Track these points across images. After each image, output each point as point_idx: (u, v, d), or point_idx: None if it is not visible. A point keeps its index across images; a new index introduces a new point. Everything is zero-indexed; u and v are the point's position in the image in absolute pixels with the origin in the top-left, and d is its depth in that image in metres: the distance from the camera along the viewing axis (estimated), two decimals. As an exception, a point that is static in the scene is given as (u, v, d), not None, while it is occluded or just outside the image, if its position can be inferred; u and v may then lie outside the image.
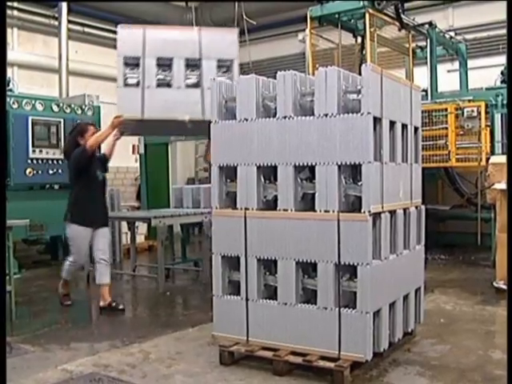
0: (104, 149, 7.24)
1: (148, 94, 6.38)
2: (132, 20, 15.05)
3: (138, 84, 6.45)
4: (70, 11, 12.65)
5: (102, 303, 6.85)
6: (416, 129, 5.13)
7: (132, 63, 6.51)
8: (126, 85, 6.50)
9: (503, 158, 9.07)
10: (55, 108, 10.12)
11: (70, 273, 7.17)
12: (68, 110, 10.34)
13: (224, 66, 6.56)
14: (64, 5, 12.39)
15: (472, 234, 9.97)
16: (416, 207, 5.10)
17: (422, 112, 5.26)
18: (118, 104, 6.49)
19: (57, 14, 12.46)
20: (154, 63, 6.43)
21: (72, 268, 7.11)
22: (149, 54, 6.42)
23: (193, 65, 6.51)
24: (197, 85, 6.48)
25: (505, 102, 10.03)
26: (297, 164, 4.41)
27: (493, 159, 9.03)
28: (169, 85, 6.46)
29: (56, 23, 12.47)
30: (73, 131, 7.07)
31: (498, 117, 10.00)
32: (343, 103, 4.31)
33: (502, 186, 7.65)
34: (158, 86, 6.43)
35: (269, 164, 4.53)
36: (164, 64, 6.48)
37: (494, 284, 7.43)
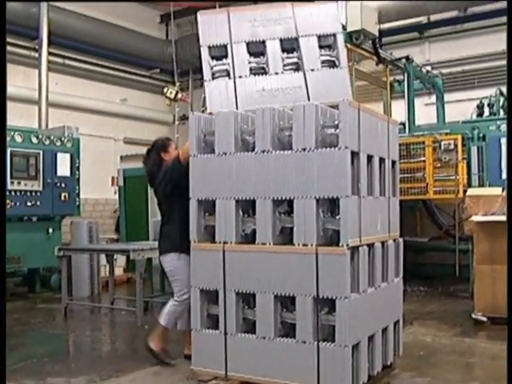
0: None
1: (241, 85, 5.32)
2: (113, 52, 15.21)
3: (228, 75, 5.41)
4: (50, 43, 12.67)
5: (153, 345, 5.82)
6: (393, 162, 5.18)
7: (218, 53, 5.52)
8: (214, 77, 5.42)
9: (480, 191, 9.18)
10: (34, 140, 10.10)
11: (175, 317, 5.72)
12: (47, 142, 10.32)
13: (326, 45, 5.46)
14: (45, 37, 12.40)
15: (450, 266, 10.04)
16: (394, 240, 5.13)
17: (400, 145, 5.34)
18: (208, 100, 5.41)
19: (37, 45, 12.48)
20: (244, 49, 5.40)
21: (179, 309, 5.64)
22: (236, 39, 5.44)
23: (289, 46, 5.48)
24: (297, 68, 5.37)
25: (481, 135, 10.20)
26: (275, 198, 4.44)
27: (470, 192, 9.12)
28: (264, 72, 5.39)
29: (36, 55, 12.48)
30: (152, 148, 6.03)
31: (474, 150, 10.15)
32: (321, 138, 4.36)
33: (479, 218, 7.74)
34: (252, 74, 5.37)
35: (247, 198, 4.56)
36: (256, 49, 5.47)
37: (473, 316, 7.46)
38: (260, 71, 5.37)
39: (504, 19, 13.43)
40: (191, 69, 16.67)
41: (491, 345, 6.39)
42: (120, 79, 15.99)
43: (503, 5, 13.04)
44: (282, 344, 4.43)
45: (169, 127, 17.35)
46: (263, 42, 5.40)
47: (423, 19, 14.25)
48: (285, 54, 5.40)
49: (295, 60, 5.37)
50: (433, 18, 14.28)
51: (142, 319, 7.82)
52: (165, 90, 10.13)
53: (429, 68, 13.31)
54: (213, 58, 5.46)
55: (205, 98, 5.39)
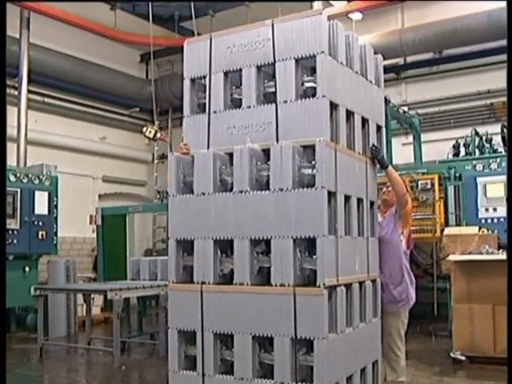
0: None
1: (214, 121, 4.89)
2: (92, 90, 15.27)
3: (204, 110, 4.99)
4: (30, 81, 12.73)
5: None
6: (372, 203, 5.21)
7: (199, 85, 5.12)
8: (193, 112, 5.06)
9: (457, 230, 9.28)
10: (12, 178, 10.08)
11: None
12: (25, 180, 10.30)
13: (310, 67, 4.69)
14: (24, 75, 12.46)
15: (429, 304, 10.06)
16: (373, 280, 5.14)
17: (378, 184, 5.37)
18: (184, 138, 5.16)
19: (17, 83, 12.50)
20: (221, 80, 4.90)
21: None
22: (215, 69, 4.93)
23: (267, 72, 4.82)
24: (272, 99, 4.71)
25: (457, 174, 10.34)
26: (253, 238, 4.44)
27: (447, 231, 9.23)
28: (239, 105, 4.84)
29: (16, 93, 12.50)
30: None
31: (451, 189, 10.28)
32: (298, 178, 4.38)
33: (457, 257, 7.80)
34: (227, 108, 4.88)
35: (225, 238, 4.55)
36: (234, 78, 4.93)
37: (451, 355, 7.47)
38: (236, 104, 4.89)
39: (478, 61, 13.81)
40: (170, 108, 16.81)
41: (469, 384, 6.40)
42: (99, 117, 16.05)
43: (478, 47, 13.37)
44: (260, 385, 4.39)
45: (148, 166, 17.41)
46: (240, 70, 4.83)
47: (399, 60, 14.54)
48: (266, 83, 4.79)
49: (272, 90, 4.73)
50: (409, 59, 14.59)
51: (119, 360, 7.73)
52: (144, 129, 10.21)
53: (406, 108, 13.51)
54: (195, 91, 5.11)
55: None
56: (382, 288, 5.30)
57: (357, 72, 5.00)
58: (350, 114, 4.83)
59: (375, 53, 5.51)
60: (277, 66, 4.66)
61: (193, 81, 5.08)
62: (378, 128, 5.42)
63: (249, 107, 4.76)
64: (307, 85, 4.62)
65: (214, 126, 4.89)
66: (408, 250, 5.55)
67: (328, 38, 4.59)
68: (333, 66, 4.61)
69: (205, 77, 5.00)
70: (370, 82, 5.29)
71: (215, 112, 4.90)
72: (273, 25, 4.71)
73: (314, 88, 4.54)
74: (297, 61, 4.60)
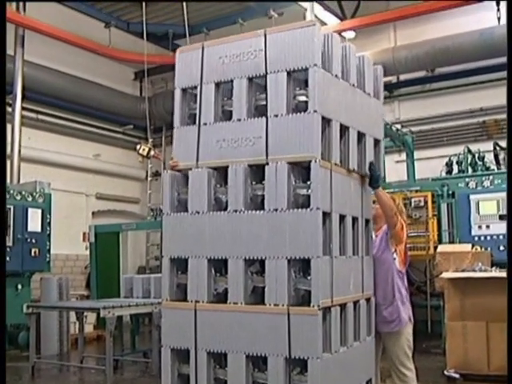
0: None
1: (204, 133, 4.73)
2: (86, 108, 15.29)
3: (195, 121, 4.83)
4: (24, 98, 12.75)
5: None
6: (367, 221, 5.21)
7: (190, 96, 4.96)
8: (183, 123, 4.91)
9: (450, 247, 9.31)
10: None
11: None
12: (18, 197, 10.28)
13: (302, 80, 4.53)
14: (19, 92, 12.49)
15: (422, 322, 10.05)
16: (367, 299, 5.13)
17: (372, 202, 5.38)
18: (174, 149, 5.02)
19: (11, 100, 12.52)
20: (212, 91, 4.73)
21: None
22: (207, 79, 4.76)
23: (259, 84, 4.67)
24: (262, 112, 4.57)
25: (450, 192, 10.38)
26: (247, 257, 4.43)
27: (440, 248, 9.25)
28: (230, 117, 4.70)
29: (10, 110, 12.51)
30: None
31: (444, 206, 10.32)
32: (293, 198, 4.38)
33: (450, 274, 7.81)
34: (216, 120, 4.72)
35: (219, 257, 4.55)
36: (226, 90, 4.79)
37: (445, 373, 7.46)
38: (226, 117, 4.74)
39: (471, 79, 13.90)
40: (164, 125, 16.84)
41: (464, 403, 6.38)
42: (93, 135, 16.06)
43: (470, 65, 13.48)
44: (254, 405, 4.37)
45: (141, 183, 17.40)
46: (231, 81, 4.69)
47: (392, 78, 14.63)
48: (257, 95, 4.64)
49: (263, 102, 4.56)
50: (402, 77, 14.69)
51: (111, 378, 7.68)
52: (138, 147, 10.23)
53: (399, 126, 13.58)
54: (186, 101, 4.96)
55: None
56: (375, 308, 5.29)
57: (353, 85, 4.85)
58: (344, 129, 4.70)
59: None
60: (268, 78, 4.51)
61: (184, 91, 4.94)
62: (376, 142, 5.28)
63: (239, 120, 4.60)
64: (299, 98, 4.48)
65: (204, 139, 4.74)
66: (403, 268, 5.51)
67: (322, 50, 4.47)
68: (326, 80, 4.47)
69: (196, 87, 4.85)
70: (368, 94, 5.13)
71: (205, 124, 4.75)
72: (265, 35, 4.57)
73: (306, 102, 4.40)
74: (289, 73, 4.46)
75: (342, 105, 4.69)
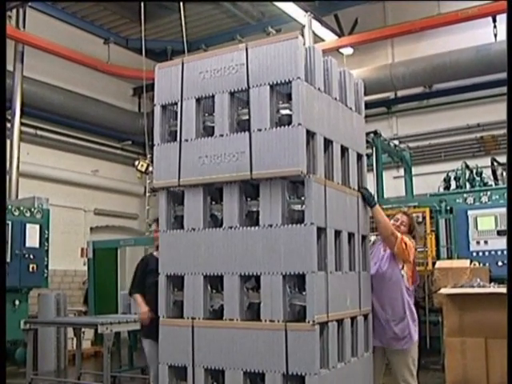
0: None
1: (185, 150, 4.66)
2: (85, 123, 15.32)
3: (176, 138, 4.75)
4: (23, 114, 12.79)
5: None
6: (364, 237, 5.20)
7: (171, 112, 4.91)
8: (163, 141, 4.84)
9: (448, 263, 9.29)
10: (3, 211, 10.03)
11: None
12: (16, 213, 10.28)
13: (282, 94, 4.53)
14: (17, 108, 12.53)
15: (421, 338, 10.00)
16: (365, 315, 5.11)
17: (370, 218, 5.38)
18: (155, 167, 4.93)
19: (10, 116, 12.55)
20: (192, 107, 4.67)
21: None
22: (187, 95, 4.70)
23: (241, 99, 4.64)
24: (244, 127, 4.51)
25: (448, 207, 10.38)
26: (242, 274, 4.42)
27: (438, 264, 9.24)
28: (211, 133, 4.62)
29: (9, 125, 12.54)
30: None
31: (442, 222, 10.31)
32: (288, 214, 4.38)
33: (448, 290, 7.79)
34: (198, 136, 4.65)
35: (215, 273, 4.54)
36: (206, 105, 4.74)
37: (444, 389, 7.42)
38: (208, 133, 4.67)
39: (468, 95, 13.97)
40: (163, 141, 16.78)
41: (462, 420, 6.34)
42: (92, 150, 16.08)
43: (467, 82, 13.54)
44: (251, 422, 4.35)
45: (140, 199, 17.37)
46: (213, 96, 4.62)
47: (390, 94, 14.69)
48: (239, 110, 4.60)
49: (246, 117, 4.50)
50: (400, 93, 14.74)
51: (108, 395, 7.65)
52: (136, 163, 10.25)
53: (396, 142, 13.63)
54: (166, 118, 4.89)
55: None
56: (384, 325, 5.26)
57: (336, 98, 4.80)
58: (328, 143, 4.64)
59: (364, 86, 5.39)
60: (251, 92, 4.44)
61: (164, 107, 4.87)
62: (359, 157, 5.21)
63: (221, 135, 4.53)
64: (283, 112, 4.41)
65: (185, 156, 4.66)
66: (412, 285, 5.42)
67: (305, 63, 4.42)
68: (309, 93, 4.42)
69: (176, 103, 4.78)
70: (350, 108, 5.07)
71: (186, 140, 4.67)
72: (247, 49, 4.51)
73: (290, 116, 4.32)
74: (272, 87, 4.39)
75: (326, 118, 4.63)
